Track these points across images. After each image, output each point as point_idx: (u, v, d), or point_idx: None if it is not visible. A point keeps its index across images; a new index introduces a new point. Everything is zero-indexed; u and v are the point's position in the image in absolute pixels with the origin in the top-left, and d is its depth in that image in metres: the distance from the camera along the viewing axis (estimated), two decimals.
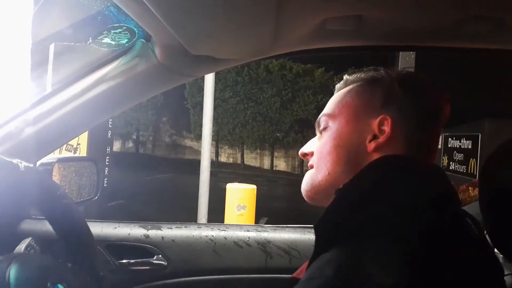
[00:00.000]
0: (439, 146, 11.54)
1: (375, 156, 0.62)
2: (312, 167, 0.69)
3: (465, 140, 10.17)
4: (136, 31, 0.84)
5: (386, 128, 0.62)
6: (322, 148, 0.67)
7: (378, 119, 0.63)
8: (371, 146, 0.62)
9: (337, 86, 0.74)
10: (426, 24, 0.79)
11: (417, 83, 0.66)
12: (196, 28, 0.71)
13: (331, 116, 0.68)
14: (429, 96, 0.65)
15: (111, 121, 5.68)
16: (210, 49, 0.83)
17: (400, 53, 3.72)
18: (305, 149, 0.72)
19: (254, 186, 5.09)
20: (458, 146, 10.54)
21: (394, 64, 3.81)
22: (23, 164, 0.68)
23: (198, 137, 15.21)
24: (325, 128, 0.69)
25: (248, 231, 1.12)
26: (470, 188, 7.27)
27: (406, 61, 3.79)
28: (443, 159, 11.42)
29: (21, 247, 0.77)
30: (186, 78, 0.97)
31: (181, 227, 1.08)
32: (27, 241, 0.77)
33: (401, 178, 0.57)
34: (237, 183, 5.44)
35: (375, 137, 0.63)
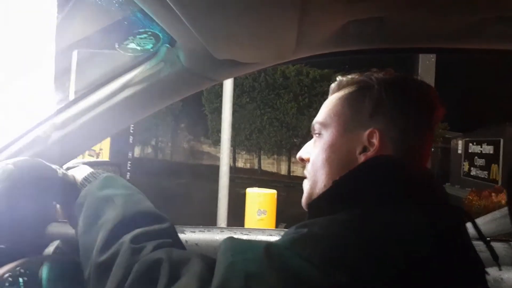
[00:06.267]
0: (460, 152, 11.34)
1: None
2: (307, 177, 0.70)
3: (487, 145, 9.98)
4: (161, 36, 0.85)
5: (375, 141, 0.62)
6: (316, 159, 0.68)
7: (367, 132, 0.63)
8: (361, 158, 0.63)
9: (331, 87, 0.73)
10: (448, 25, 0.78)
11: (408, 89, 0.66)
12: (221, 32, 0.72)
13: (323, 124, 0.69)
14: (420, 102, 0.65)
15: (132, 127, 5.75)
16: (233, 53, 0.83)
17: (420, 55, 3.67)
18: (302, 154, 0.73)
19: (275, 191, 5.05)
20: (479, 152, 10.34)
21: (414, 66, 3.76)
22: (61, 171, 0.70)
23: (216, 143, 15.24)
24: (318, 135, 0.70)
25: (271, 235, 1.11)
26: (492, 194, 7.11)
27: (426, 64, 3.74)
28: (463, 165, 11.22)
29: (50, 249, 0.79)
30: (210, 82, 0.97)
31: (204, 231, 1.08)
32: (55, 243, 0.79)
33: (391, 177, 0.58)
34: (257, 188, 5.42)
35: (364, 149, 0.63)
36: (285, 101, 15.09)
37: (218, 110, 6.92)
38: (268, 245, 0.48)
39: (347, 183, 0.59)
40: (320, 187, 0.66)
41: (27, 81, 2.90)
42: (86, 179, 0.71)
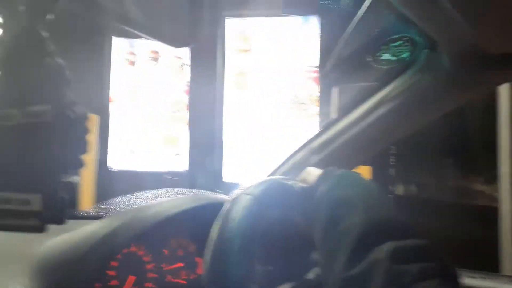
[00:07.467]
0: None
1: None
2: None
3: None
4: (419, 41, 0.74)
5: None
6: None
7: None
8: None
9: None
10: None
11: None
12: (503, 15, 0.55)
13: None
14: None
15: (393, 158, 5.55)
16: None
17: None
18: None
19: None
20: None
21: None
22: (297, 183, 0.67)
23: (491, 180, 13.19)
24: None
25: None
26: None
27: None
28: None
29: (310, 275, 0.76)
30: (483, 89, 0.79)
31: (485, 278, 0.86)
32: (316, 271, 0.76)
33: None
34: None
35: None
36: None
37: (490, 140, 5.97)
38: None
39: None
40: None
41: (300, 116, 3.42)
42: (318, 180, 0.63)
